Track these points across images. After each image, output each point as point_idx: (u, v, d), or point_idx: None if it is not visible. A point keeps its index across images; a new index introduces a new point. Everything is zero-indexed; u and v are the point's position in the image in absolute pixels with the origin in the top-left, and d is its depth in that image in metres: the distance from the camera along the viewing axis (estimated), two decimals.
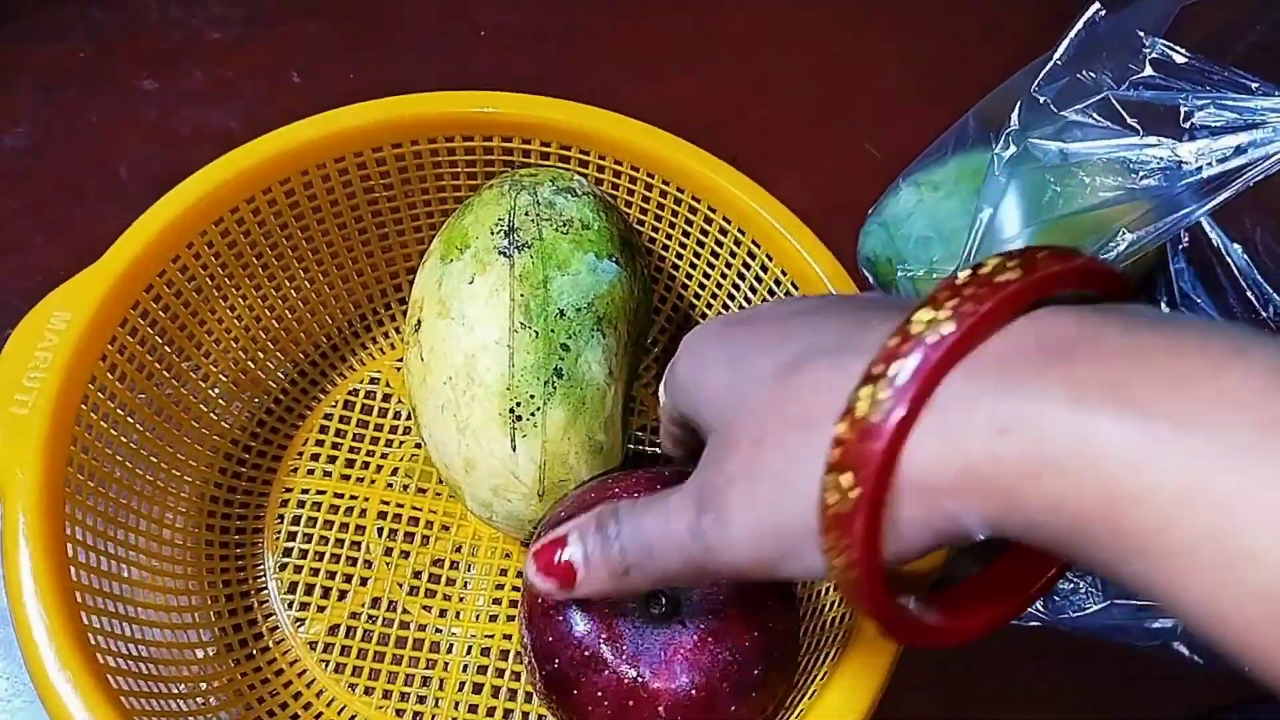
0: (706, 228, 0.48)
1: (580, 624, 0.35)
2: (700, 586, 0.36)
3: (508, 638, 0.46)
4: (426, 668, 0.45)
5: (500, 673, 0.45)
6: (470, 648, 0.45)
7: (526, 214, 0.42)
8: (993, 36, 0.69)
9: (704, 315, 0.51)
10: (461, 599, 0.46)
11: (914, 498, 0.21)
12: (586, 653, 0.35)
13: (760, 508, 0.25)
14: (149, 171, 0.59)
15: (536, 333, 0.40)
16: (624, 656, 0.35)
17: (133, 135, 0.60)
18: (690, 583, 0.35)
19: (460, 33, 0.66)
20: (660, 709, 0.35)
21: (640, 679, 0.35)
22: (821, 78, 0.67)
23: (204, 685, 0.41)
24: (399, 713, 0.44)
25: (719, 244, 0.48)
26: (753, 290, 0.48)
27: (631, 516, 0.29)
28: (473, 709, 0.44)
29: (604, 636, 0.35)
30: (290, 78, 0.63)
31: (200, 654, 0.42)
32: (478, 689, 0.44)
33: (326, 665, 0.44)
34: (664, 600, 0.35)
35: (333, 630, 0.45)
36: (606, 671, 0.35)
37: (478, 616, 0.46)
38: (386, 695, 0.44)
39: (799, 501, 0.23)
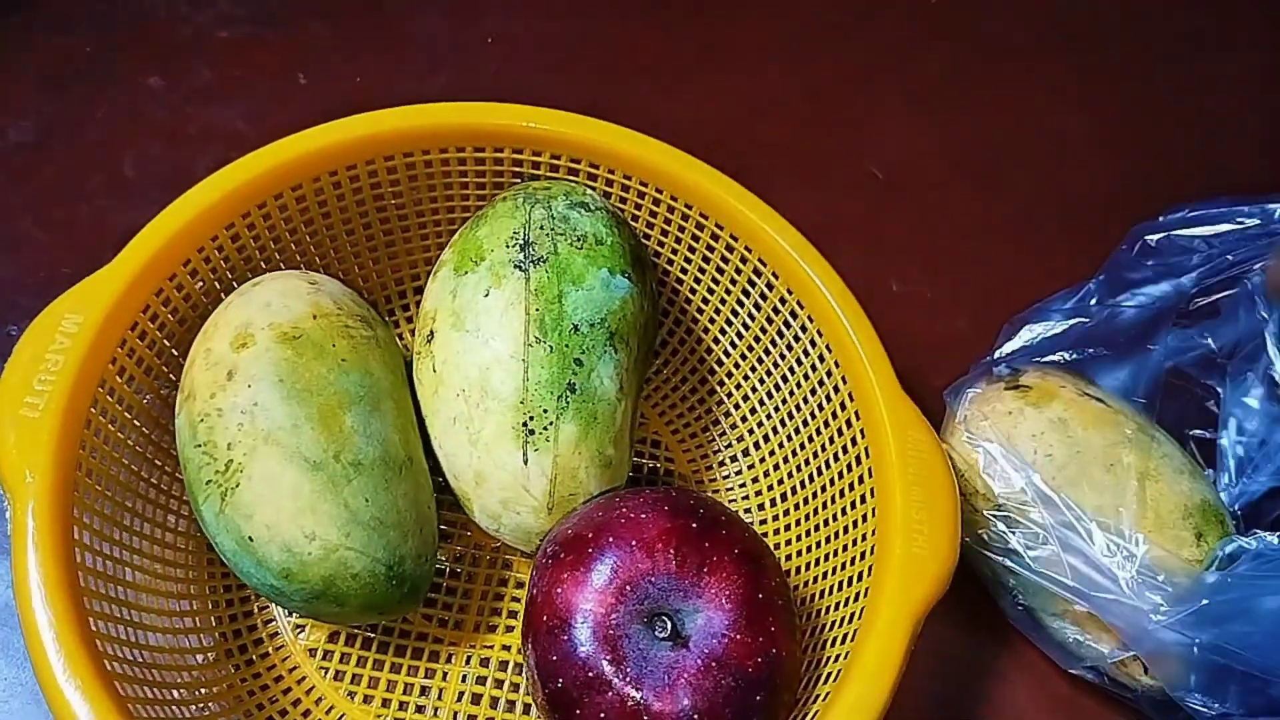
0: (713, 244, 0.48)
1: (585, 644, 0.36)
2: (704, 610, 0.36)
3: (507, 649, 0.46)
4: (426, 677, 0.45)
5: (499, 684, 0.45)
6: (470, 658, 0.45)
7: (541, 228, 0.43)
8: (995, 59, 0.70)
9: (705, 330, 0.52)
10: (462, 609, 0.47)
11: None
12: (590, 673, 0.35)
13: None
14: (154, 169, 0.59)
15: (551, 347, 0.40)
16: (627, 679, 0.35)
17: (138, 132, 0.60)
18: None
19: (468, 40, 0.66)
20: None
21: (643, 701, 0.35)
22: (826, 96, 0.67)
23: (203, 690, 0.41)
24: None
25: (725, 260, 0.48)
26: (756, 307, 0.48)
27: None
28: (472, 719, 0.44)
29: (608, 658, 0.35)
30: (297, 79, 0.63)
31: (200, 659, 0.42)
32: (476, 699, 0.44)
33: (325, 673, 0.44)
34: (669, 623, 0.36)
35: (332, 638, 0.45)
36: (610, 693, 0.35)
37: (478, 627, 0.46)
38: (385, 704, 0.44)
39: None
